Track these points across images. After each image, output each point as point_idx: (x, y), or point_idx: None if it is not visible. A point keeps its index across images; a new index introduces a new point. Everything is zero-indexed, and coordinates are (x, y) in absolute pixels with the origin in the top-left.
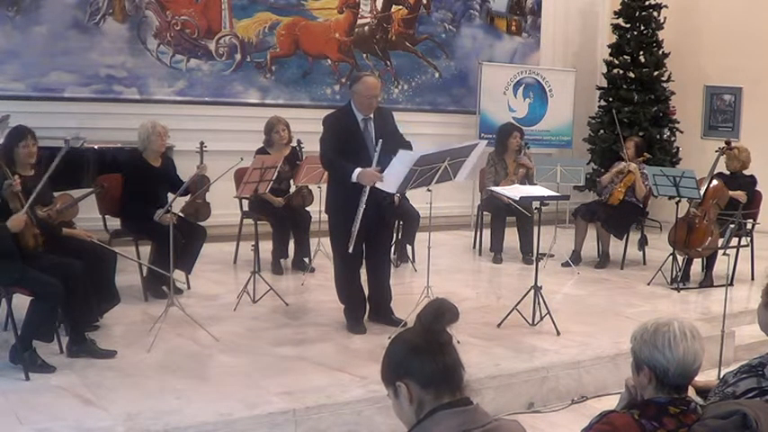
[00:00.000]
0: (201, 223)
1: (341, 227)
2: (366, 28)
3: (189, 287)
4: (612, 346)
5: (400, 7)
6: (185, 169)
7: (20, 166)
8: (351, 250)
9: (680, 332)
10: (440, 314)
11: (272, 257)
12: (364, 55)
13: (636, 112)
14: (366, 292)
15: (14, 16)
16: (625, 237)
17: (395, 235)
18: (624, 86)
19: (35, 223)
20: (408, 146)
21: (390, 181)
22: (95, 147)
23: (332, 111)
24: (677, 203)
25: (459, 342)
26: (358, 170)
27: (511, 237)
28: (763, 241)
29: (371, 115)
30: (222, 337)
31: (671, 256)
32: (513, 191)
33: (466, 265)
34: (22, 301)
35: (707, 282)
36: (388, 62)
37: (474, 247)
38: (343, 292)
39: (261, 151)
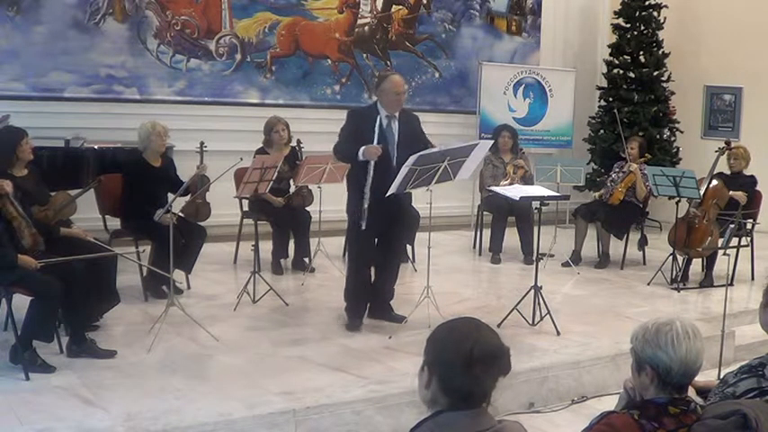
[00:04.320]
0: (201, 223)
1: (357, 230)
2: (366, 28)
3: (189, 287)
4: (612, 346)
5: (400, 7)
6: (185, 169)
7: (17, 166)
8: (364, 227)
9: (682, 331)
10: (495, 359)
11: (272, 257)
12: (364, 55)
13: (636, 112)
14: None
15: (14, 16)
16: (625, 237)
17: None
18: (624, 86)
19: (30, 223)
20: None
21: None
22: (95, 147)
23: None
24: (677, 203)
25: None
26: (362, 148)
27: (511, 237)
28: (763, 241)
29: (396, 114)
30: (222, 337)
31: (671, 256)
32: (514, 191)
33: (466, 265)
34: (22, 301)
35: (707, 282)
36: (388, 62)
37: (474, 247)
38: (349, 292)
39: (260, 151)
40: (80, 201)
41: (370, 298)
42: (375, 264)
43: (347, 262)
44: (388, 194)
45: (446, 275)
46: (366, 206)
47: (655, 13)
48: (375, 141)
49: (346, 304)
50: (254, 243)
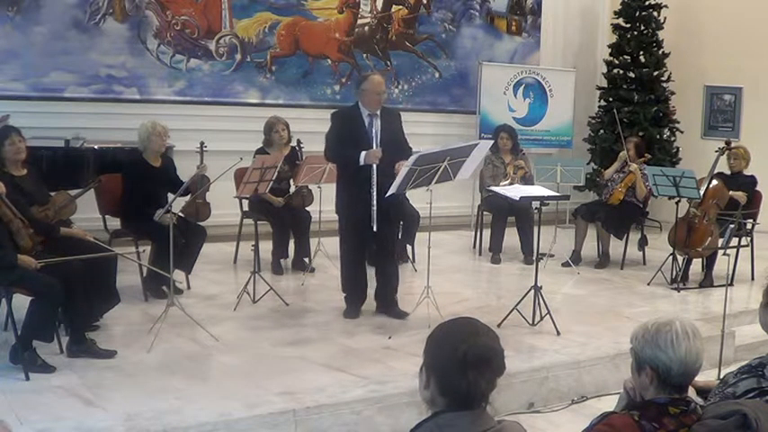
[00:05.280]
0: (201, 223)
1: (349, 224)
2: (366, 28)
3: (189, 287)
4: (612, 346)
5: (400, 7)
6: (185, 169)
7: (11, 166)
8: (375, 228)
9: (681, 331)
10: (487, 362)
11: (272, 257)
12: (364, 55)
13: (636, 112)
14: (376, 286)
15: (14, 16)
16: (625, 237)
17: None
18: (624, 86)
19: (28, 224)
20: (409, 152)
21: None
22: (95, 147)
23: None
24: (677, 203)
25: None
26: (363, 153)
27: (511, 237)
28: (763, 241)
29: (378, 113)
30: (222, 337)
31: (671, 256)
32: (514, 191)
33: (466, 265)
34: (22, 301)
35: (707, 282)
36: (388, 62)
37: (474, 247)
38: (344, 282)
39: (260, 151)
40: (80, 201)
41: (377, 290)
42: (375, 264)
43: (339, 256)
44: (387, 195)
45: (446, 275)
46: (375, 208)
47: (655, 13)
48: (374, 142)
49: (345, 295)
50: (254, 243)
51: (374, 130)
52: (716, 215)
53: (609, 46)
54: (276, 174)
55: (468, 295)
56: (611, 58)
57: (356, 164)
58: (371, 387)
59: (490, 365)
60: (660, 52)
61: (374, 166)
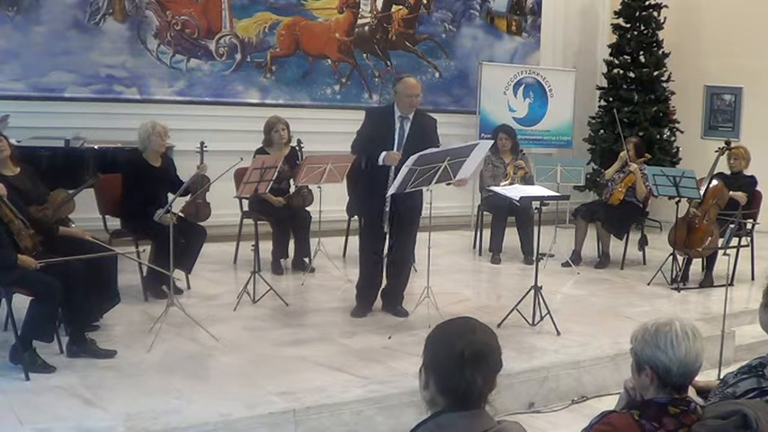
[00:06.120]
0: (201, 223)
1: (369, 225)
2: (366, 28)
3: (189, 287)
4: (612, 346)
5: (400, 7)
6: (185, 169)
7: (5, 166)
8: (386, 229)
9: (681, 331)
10: (484, 359)
11: (272, 257)
12: (364, 55)
13: (636, 112)
14: (386, 284)
15: (14, 16)
16: (625, 237)
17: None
18: (624, 86)
19: (28, 225)
20: None
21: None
22: (95, 147)
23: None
24: (677, 203)
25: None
26: (383, 153)
27: (511, 237)
28: (763, 241)
29: (410, 116)
30: (222, 337)
31: (671, 256)
32: (514, 191)
33: (466, 265)
34: (22, 301)
35: (707, 282)
36: (389, 62)
37: (474, 247)
38: (361, 281)
39: (260, 151)
40: (80, 201)
41: (386, 287)
42: (391, 262)
43: (359, 255)
44: (388, 195)
45: (446, 275)
46: (387, 209)
47: (655, 13)
48: (398, 144)
49: (356, 293)
50: (254, 243)
51: (401, 133)
52: (716, 215)
53: (609, 46)
54: (276, 174)
55: (468, 295)
56: (611, 58)
57: (376, 162)
58: (371, 387)
59: (487, 362)
60: (660, 52)
61: (392, 167)
